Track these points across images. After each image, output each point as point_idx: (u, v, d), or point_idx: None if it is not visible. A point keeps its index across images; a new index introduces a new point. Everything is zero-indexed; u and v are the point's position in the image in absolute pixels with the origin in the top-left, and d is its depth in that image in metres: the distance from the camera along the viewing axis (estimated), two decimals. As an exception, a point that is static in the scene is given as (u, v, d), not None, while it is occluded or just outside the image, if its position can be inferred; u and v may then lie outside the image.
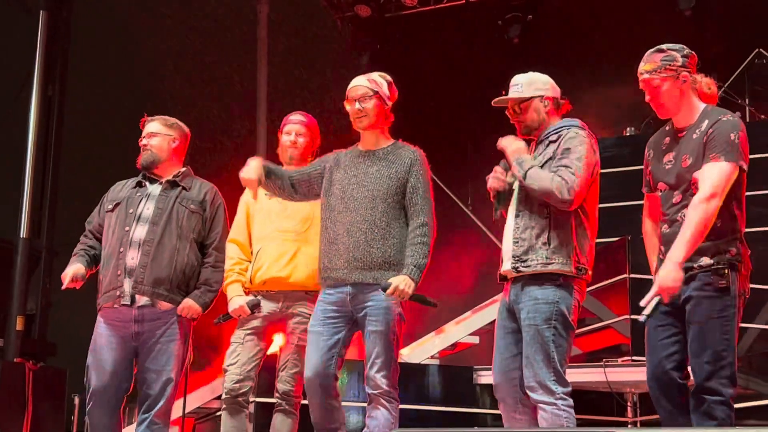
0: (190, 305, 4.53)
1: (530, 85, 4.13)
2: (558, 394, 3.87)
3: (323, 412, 4.21)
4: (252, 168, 4.29)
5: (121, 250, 4.51)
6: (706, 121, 3.84)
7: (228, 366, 4.58)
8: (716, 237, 3.77)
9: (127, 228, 4.55)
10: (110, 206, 4.68)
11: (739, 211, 3.84)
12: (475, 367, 6.53)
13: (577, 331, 4.21)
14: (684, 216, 3.78)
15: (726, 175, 3.73)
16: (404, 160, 4.29)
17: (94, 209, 4.79)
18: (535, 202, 4.01)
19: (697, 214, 3.71)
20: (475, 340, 7.56)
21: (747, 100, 8.81)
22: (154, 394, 4.46)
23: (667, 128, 4.04)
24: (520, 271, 3.98)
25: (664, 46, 3.92)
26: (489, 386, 6.30)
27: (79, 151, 9.27)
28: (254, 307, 4.59)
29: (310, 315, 4.46)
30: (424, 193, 4.26)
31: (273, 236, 4.67)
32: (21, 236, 8.48)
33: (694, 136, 3.85)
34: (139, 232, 4.54)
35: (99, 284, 4.59)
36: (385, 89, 4.33)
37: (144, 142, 4.73)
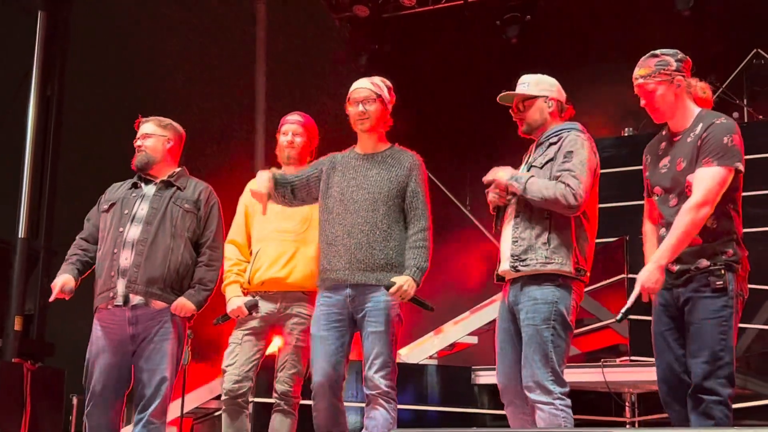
0: (183, 303, 4.52)
1: (537, 84, 4.16)
2: (555, 394, 3.87)
3: (329, 416, 4.22)
4: (262, 182, 4.30)
5: (115, 251, 4.51)
6: (701, 125, 3.85)
7: (226, 366, 4.58)
8: (713, 239, 3.79)
9: (121, 229, 4.55)
10: (106, 206, 4.68)
11: (735, 212, 3.85)
12: (474, 367, 6.54)
13: (576, 331, 4.21)
14: None
15: (718, 181, 3.74)
16: (404, 164, 4.29)
17: (93, 208, 4.79)
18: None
19: (685, 220, 3.74)
20: (474, 340, 7.57)
21: (745, 100, 8.82)
22: (149, 393, 4.44)
23: (664, 133, 4.06)
24: (519, 271, 3.97)
25: (658, 51, 3.94)
26: (488, 386, 6.32)
27: (78, 151, 9.23)
28: (252, 307, 4.60)
29: (309, 315, 4.46)
30: (423, 197, 4.28)
31: (272, 237, 4.67)
32: (19, 236, 8.44)
33: (689, 139, 3.87)
34: (133, 232, 4.53)
35: (95, 286, 4.59)
36: (386, 93, 4.34)
37: (138, 143, 4.73)
